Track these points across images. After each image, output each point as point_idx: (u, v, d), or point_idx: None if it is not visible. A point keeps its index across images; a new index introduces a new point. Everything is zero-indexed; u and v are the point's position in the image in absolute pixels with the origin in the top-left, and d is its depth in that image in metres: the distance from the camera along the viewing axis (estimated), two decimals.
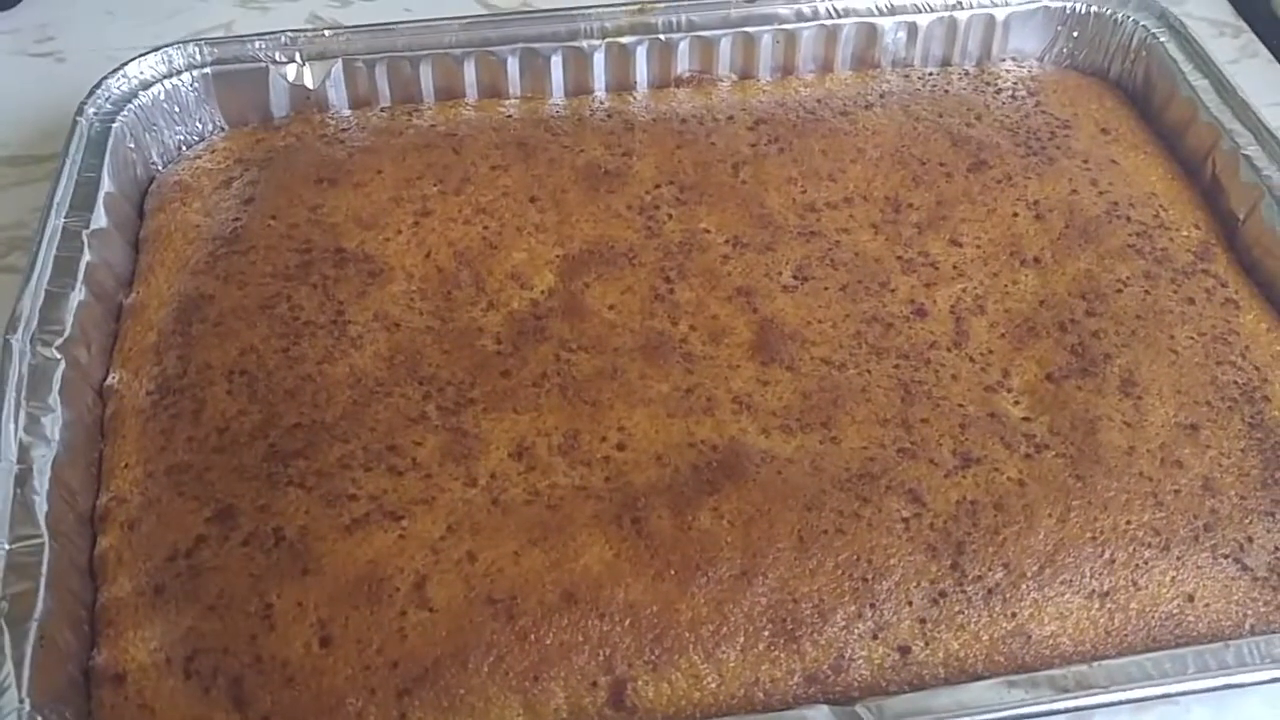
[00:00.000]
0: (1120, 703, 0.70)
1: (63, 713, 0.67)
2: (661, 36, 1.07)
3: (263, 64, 1.02)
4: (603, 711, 0.70)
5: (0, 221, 1.04)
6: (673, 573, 0.74)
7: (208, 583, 0.72)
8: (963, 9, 1.11)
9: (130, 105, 0.98)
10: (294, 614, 0.71)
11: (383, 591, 0.72)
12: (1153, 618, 0.76)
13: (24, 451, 0.75)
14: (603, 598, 0.72)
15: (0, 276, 0.99)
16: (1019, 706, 0.69)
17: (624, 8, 1.07)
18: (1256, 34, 1.27)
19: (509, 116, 1.04)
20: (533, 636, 0.71)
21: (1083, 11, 1.12)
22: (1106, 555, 0.77)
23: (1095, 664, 0.71)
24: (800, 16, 1.09)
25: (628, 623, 0.72)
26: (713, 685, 0.71)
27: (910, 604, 0.74)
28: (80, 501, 0.77)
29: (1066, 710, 0.70)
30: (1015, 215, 0.97)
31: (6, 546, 0.70)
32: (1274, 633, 0.74)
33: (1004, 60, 1.13)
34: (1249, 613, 0.76)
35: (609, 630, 0.72)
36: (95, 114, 0.96)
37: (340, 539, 0.74)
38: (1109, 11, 1.12)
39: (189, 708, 0.69)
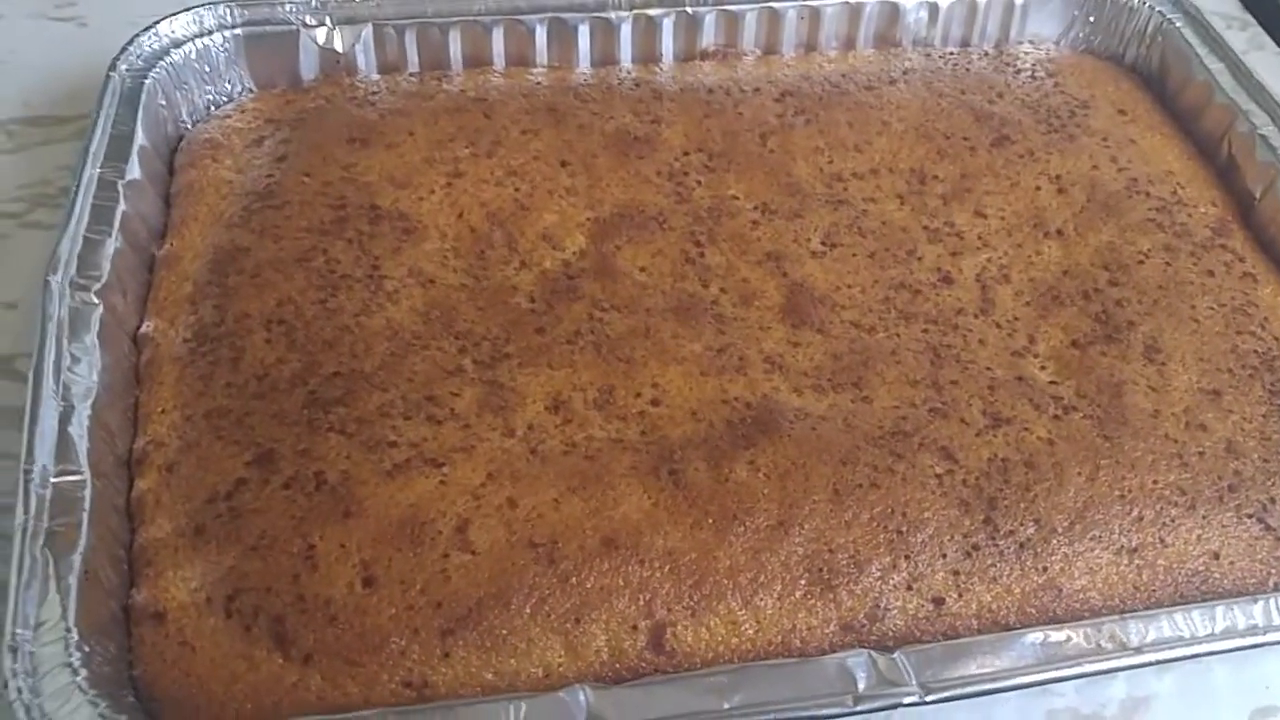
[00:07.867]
0: (1157, 662, 0.71)
1: (107, 646, 0.67)
2: (688, 9, 1.08)
3: (293, 26, 1.02)
4: (643, 654, 0.71)
5: (24, 180, 1.04)
6: (710, 522, 0.74)
7: (249, 524, 0.73)
8: None
9: (162, 62, 0.97)
10: (336, 555, 0.71)
11: (425, 534, 0.72)
12: (1180, 574, 0.77)
13: (65, 390, 0.74)
14: (642, 544, 0.73)
15: (25, 232, 0.99)
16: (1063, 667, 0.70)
17: None
18: (1263, 27, 1.29)
19: (537, 84, 1.04)
20: (574, 580, 0.71)
21: None
22: (1135, 513, 0.78)
23: (1128, 616, 0.72)
24: None
25: (667, 569, 0.73)
26: (750, 631, 0.72)
27: (944, 556, 0.75)
28: (118, 444, 0.77)
29: (1111, 670, 0.71)
30: (1038, 189, 0.99)
31: (54, 480, 0.70)
32: None
33: (1022, 43, 1.15)
34: (1273, 570, 0.78)
35: (649, 576, 0.72)
36: (128, 70, 0.96)
37: (382, 483, 0.74)
38: None
39: (230, 646, 0.69)
